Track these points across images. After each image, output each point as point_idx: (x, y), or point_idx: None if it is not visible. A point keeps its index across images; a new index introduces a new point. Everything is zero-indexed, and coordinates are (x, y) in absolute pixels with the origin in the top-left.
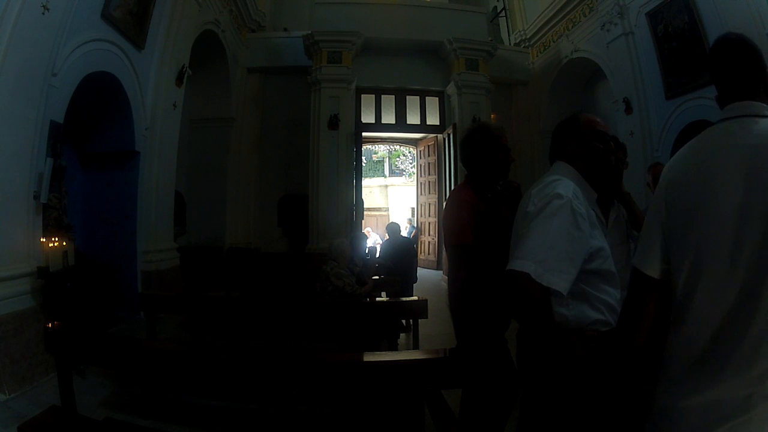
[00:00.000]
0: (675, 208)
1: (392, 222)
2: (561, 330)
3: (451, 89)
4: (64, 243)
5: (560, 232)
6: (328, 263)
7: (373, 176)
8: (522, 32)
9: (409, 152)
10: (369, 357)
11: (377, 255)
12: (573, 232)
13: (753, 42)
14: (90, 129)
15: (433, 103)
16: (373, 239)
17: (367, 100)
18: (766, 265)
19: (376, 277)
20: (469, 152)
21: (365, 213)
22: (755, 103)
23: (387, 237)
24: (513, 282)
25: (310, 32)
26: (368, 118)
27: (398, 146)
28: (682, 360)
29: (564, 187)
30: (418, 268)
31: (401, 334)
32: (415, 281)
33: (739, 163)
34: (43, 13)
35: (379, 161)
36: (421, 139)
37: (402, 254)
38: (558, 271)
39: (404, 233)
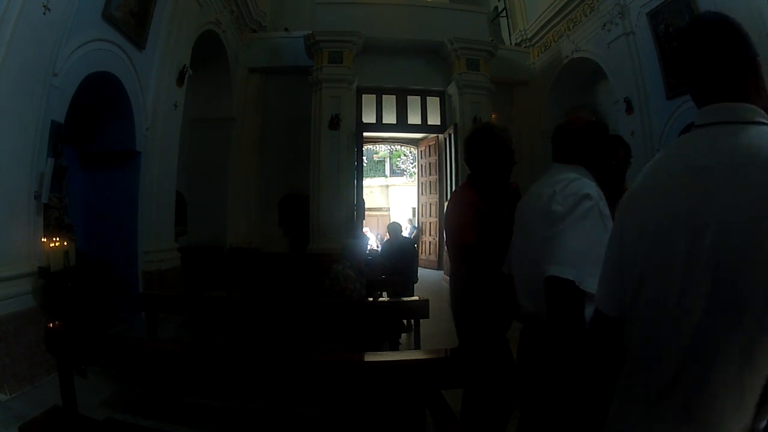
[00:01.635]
0: (628, 238)
1: (393, 221)
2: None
3: (452, 89)
4: (65, 243)
5: (592, 235)
6: (340, 262)
7: (374, 176)
8: (523, 32)
9: (410, 152)
10: (369, 357)
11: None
12: (603, 235)
13: (737, 23)
14: (91, 129)
15: (434, 103)
16: (372, 239)
17: (368, 100)
18: (712, 328)
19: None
20: (471, 152)
21: (366, 213)
22: (736, 104)
23: (388, 236)
24: (555, 288)
25: (311, 32)
26: (369, 118)
27: (399, 146)
28: (631, 406)
29: (590, 186)
30: (420, 268)
31: (402, 334)
32: (416, 281)
33: (688, 189)
34: (44, 13)
35: (380, 161)
36: (422, 139)
37: (402, 254)
38: (592, 276)
39: (405, 233)
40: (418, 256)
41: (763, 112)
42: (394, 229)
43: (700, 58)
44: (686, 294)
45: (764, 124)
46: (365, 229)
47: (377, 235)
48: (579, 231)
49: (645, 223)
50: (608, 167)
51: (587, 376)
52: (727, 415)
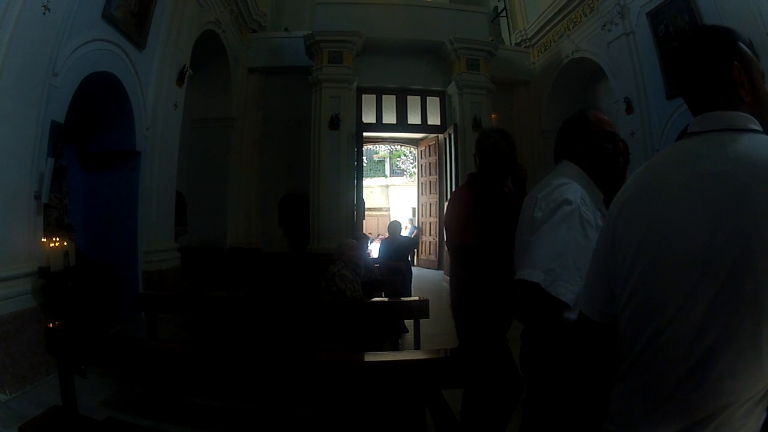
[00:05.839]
0: (622, 244)
1: (394, 220)
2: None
3: (452, 89)
4: (65, 243)
5: (568, 240)
6: (336, 263)
7: (374, 176)
8: (523, 32)
9: (410, 152)
10: (369, 357)
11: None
12: (581, 240)
13: (729, 30)
14: (91, 129)
15: (434, 103)
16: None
17: (368, 100)
18: (725, 326)
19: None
20: (479, 150)
21: (366, 213)
22: (732, 113)
23: (387, 236)
24: (523, 291)
25: (311, 32)
26: (369, 118)
27: (399, 146)
28: (634, 413)
29: (572, 191)
30: (420, 268)
31: (403, 334)
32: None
33: (703, 195)
34: (44, 13)
35: (380, 161)
36: (422, 139)
37: (399, 254)
38: (565, 282)
39: (405, 233)
40: (410, 255)
41: (754, 119)
42: (394, 228)
43: (689, 69)
44: (693, 294)
45: (758, 131)
46: (368, 233)
47: (378, 236)
48: (553, 236)
49: (649, 229)
50: (602, 161)
51: (575, 378)
52: (734, 411)
